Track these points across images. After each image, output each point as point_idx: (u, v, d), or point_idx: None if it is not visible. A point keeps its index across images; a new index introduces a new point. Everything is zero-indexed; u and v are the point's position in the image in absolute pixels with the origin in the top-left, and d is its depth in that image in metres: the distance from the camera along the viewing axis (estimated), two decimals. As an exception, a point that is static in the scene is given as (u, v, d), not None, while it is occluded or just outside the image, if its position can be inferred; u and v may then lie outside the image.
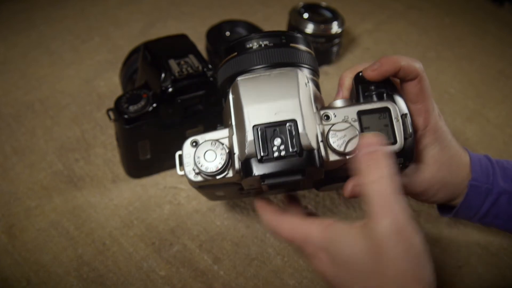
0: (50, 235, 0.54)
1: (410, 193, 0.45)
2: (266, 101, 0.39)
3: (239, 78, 0.41)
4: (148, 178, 0.60)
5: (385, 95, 0.43)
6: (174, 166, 0.61)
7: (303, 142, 0.37)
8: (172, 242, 0.54)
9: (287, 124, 0.38)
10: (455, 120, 0.73)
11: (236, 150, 0.39)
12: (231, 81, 0.43)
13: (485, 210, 0.46)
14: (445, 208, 0.50)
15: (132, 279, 0.51)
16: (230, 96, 0.42)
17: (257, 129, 0.38)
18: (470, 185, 0.45)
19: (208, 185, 0.41)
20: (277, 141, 0.38)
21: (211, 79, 0.52)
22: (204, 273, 0.52)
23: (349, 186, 0.42)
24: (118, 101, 0.53)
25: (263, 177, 0.37)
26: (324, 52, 0.77)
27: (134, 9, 0.90)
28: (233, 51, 0.44)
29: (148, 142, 0.55)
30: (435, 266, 0.53)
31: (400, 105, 0.42)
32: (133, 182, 0.60)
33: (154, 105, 0.52)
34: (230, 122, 0.41)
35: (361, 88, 0.44)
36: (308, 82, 0.41)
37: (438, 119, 0.44)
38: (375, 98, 0.43)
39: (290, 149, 0.37)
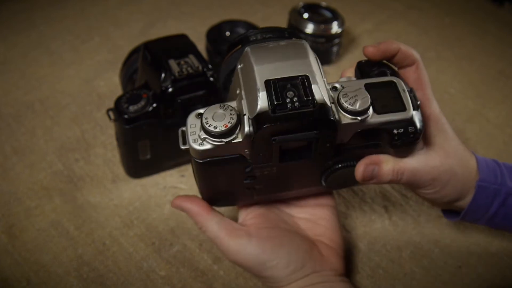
0: (50, 235, 0.54)
1: (419, 182, 0.44)
2: (277, 60, 0.38)
3: (247, 48, 0.40)
4: (148, 178, 0.60)
5: (388, 73, 0.44)
6: (174, 166, 0.61)
7: (316, 95, 0.37)
8: (172, 242, 0.54)
9: (300, 78, 0.37)
10: (455, 120, 0.73)
11: (246, 111, 0.38)
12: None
13: (494, 211, 0.46)
14: (451, 213, 0.50)
15: (132, 279, 0.51)
16: (238, 67, 0.41)
17: (270, 82, 0.37)
18: (478, 185, 0.45)
19: (213, 161, 0.40)
20: (290, 94, 0.37)
21: (211, 79, 0.52)
22: (204, 273, 0.52)
23: (361, 167, 0.42)
24: (118, 101, 0.53)
25: (275, 130, 0.36)
26: (324, 52, 0.77)
27: (134, 9, 0.90)
28: (237, 45, 0.44)
29: (148, 142, 0.55)
30: (435, 266, 0.54)
31: (404, 82, 0.42)
32: (133, 182, 0.60)
33: (154, 105, 0.52)
34: (238, 92, 0.40)
35: (365, 70, 0.44)
36: (316, 57, 0.41)
37: (439, 110, 0.45)
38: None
39: (304, 98, 0.36)
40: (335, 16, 0.77)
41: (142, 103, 0.52)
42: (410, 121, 0.40)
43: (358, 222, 0.58)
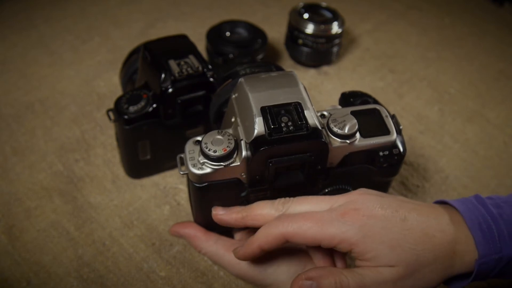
0: (50, 235, 0.54)
1: None
2: (271, 88, 0.41)
3: (241, 79, 0.42)
4: (148, 179, 0.60)
5: (371, 102, 0.48)
6: (174, 167, 0.61)
7: (309, 120, 0.39)
8: (172, 242, 0.54)
9: (293, 104, 0.40)
10: (455, 120, 0.73)
11: (242, 136, 0.40)
12: (227, 103, 0.45)
13: (495, 274, 0.39)
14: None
15: (132, 280, 0.51)
16: (233, 97, 0.43)
17: (265, 109, 0.39)
18: (479, 264, 0.38)
19: (211, 185, 0.41)
20: (285, 119, 0.39)
21: (211, 79, 0.52)
22: (204, 274, 0.52)
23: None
24: (118, 101, 0.53)
25: (271, 153, 0.38)
26: (324, 53, 0.77)
27: (134, 9, 0.90)
28: (227, 79, 0.47)
29: (148, 142, 0.55)
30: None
31: (385, 109, 0.45)
32: (133, 183, 0.60)
33: (154, 105, 0.52)
34: (233, 120, 0.42)
35: (349, 100, 0.48)
36: (304, 86, 0.43)
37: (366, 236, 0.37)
38: None
39: (298, 122, 0.39)
40: (335, 16, 0.77)
41: (142, 103, 0.52)
42: (394, 143, 0.44)
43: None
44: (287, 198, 0.41)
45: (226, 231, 0.49)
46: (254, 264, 0.45)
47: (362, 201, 0.38)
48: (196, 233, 0.47)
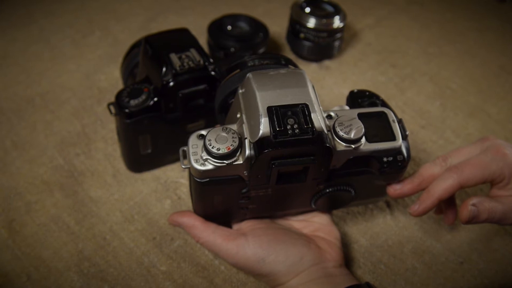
0: (50, 230, 0.54)
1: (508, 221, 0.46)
2: (278, 88, 0.40)
3: (249, 74, 0.42)
4: (149, 173, 0.60)
5: (379, 104, 0.47)
6: (175, 161, 0.61)
7: (315, 123, 0.39)
8: (173, 237, 0.54)
9: (300, 106, 0.39)
10: (457, 115, 0.72)
11: (247, 135, 0.39)
12: (234, 94, 0.44)
13: None
14: None
15: (133, 274, 0.51)
16: (239, 92, 0.42)
17: (272, 109, 0.39)
18: None
19: (213, 181, 0.41)
20: (291, 121, 0.38)
21: (213, 73, 0.52)
22: (205, 268, 0.52)
23: (465, 210, 0.46)
24: (119, 95, 0.52)
25: (275, 155, 0.38)
26: (325, 47, 0.77)
27: (135, 3, 0.90)
28: (235, 69, 0.46)
29: (149, 136, 0.55)
30: (436, 261, 0.53)
31: (393, 112, 0.45)
32: (134, 177, 0.60)
33: (155, 99, 0.52)
34: (238, 116, 0.41)
35: (357, 100, 0.48)
36: (313, 85, 0.42)
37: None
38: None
39: (304, 126, 0.38)
40: (337, 10, 0.77)
41: (143, 97, 0.52)
42: (399, 150, 0.43)
43: (359, 217, 0.58)
44: (445, 155, 0.48)
45: (224, 222, 0.49)
46: (252, 254, 0.45)
47: (500, 143, 0.47)
48: (194, 222, 0.47)
